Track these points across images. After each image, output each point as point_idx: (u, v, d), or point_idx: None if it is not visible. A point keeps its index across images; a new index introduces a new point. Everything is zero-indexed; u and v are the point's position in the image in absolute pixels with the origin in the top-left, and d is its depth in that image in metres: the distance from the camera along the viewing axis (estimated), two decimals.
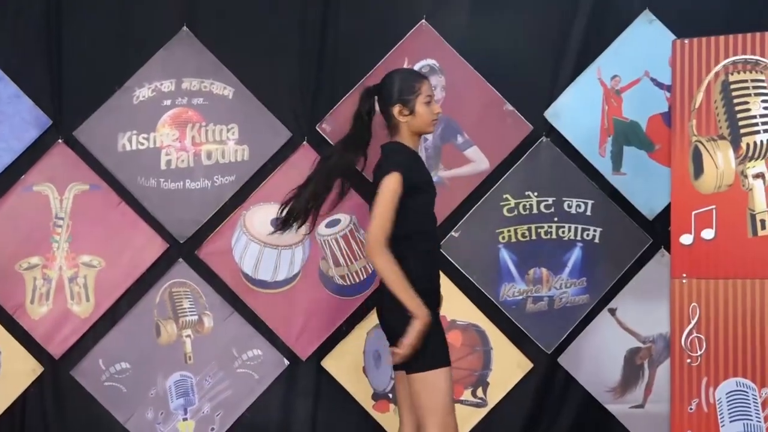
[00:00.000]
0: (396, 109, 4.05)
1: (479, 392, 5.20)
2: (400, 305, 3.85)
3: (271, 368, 5.17)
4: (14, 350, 5.12)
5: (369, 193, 4.05)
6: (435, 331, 3.92)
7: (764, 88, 4.68)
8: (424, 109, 4.05)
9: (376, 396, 5.19)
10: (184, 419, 5.15)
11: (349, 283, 5.19)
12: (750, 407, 4.63)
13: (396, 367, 4.00)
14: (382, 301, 3.99)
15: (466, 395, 5.20)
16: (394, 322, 3.92)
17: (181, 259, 5.18)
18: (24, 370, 5.11)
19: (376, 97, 4.11)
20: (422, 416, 3.86)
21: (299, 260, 5.18)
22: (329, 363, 5.21)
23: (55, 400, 5.14)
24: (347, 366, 5.20)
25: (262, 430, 5.20)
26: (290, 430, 5.22)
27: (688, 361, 4.68)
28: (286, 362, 5.18)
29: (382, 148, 4.04)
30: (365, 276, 5.18)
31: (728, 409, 4.66)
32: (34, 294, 5.11)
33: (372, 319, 5.10)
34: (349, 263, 5.19)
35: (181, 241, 5.18)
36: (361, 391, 5.20)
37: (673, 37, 4.99)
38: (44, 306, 5.13)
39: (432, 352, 3.88)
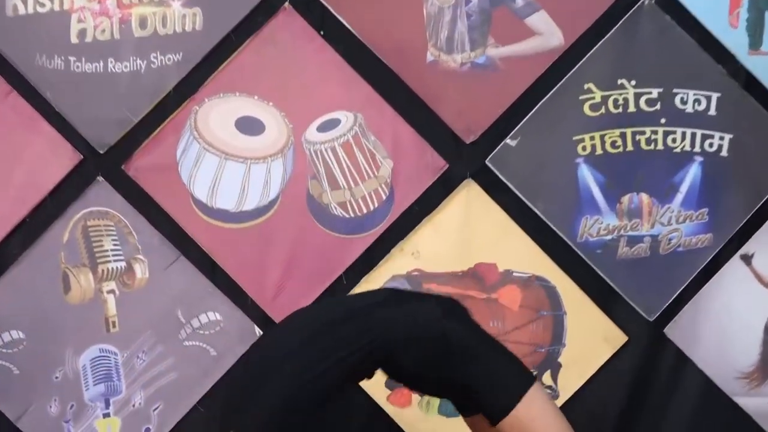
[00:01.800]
0: None
1: (546, 378, 3.96)
2: None
3: (235, 340, 3.96)
4: None
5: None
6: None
7: None
8: None
9: (392, 383, 3.77)
10: (106, 415, 3.96)
11: (352, 214, 3.92)
12: None
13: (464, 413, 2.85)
14: None
15: None
16: None
17: (100, 177, 3.91)
18: None
19: None
20: None
21: (278, 180, 3.89)
22: None
23: None
24: None
25: None
26: None
27: None
28: (259, 331, 3.95)
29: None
30: (376, 204, 3.91)
31: None
32: None
33: (388, 268, 3.90)
34: (352, 185, 3.90)
35: (101, 151, 3.91)
36: None
37: None
38: None
39: (501, 377, 2.72)
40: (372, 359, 2.74)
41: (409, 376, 2.95)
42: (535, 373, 2.86)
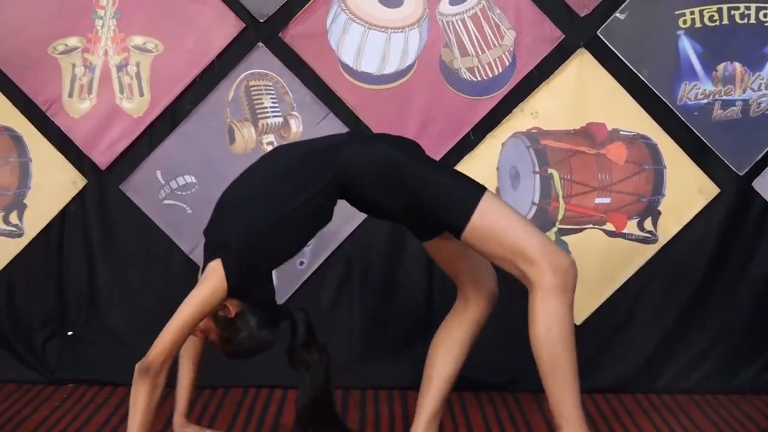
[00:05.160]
0: None
1: (647, 224, 4.16)
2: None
3: None
4: (49, 157, 4.22)
5: None
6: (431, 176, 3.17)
7: None
8: None
9: None
10: None
11: (479, 78, 4.15)
12: None
13: (422, 239, 3.32)
14: None
15: (631, 227, 4.16)
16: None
17: (260, 44, 4.18)
18: (62, 183, 4.22)
19: None
20: (510, 257, 3.11)
21: (414, 48, 4.15)
22: None
23: (101, 220, 4.25)
24: None
25: (362, 269, 4.27)
26: (399, 261, 4.26)
27: None
28: None
29: None
30: (500, 69, 4.13)
31: None
32: (72, 85, 4.17)
33: (510, 126, 4.13)
34: (479, 52, 4.14)
35: (262, 20, 4.17)
36: None
37: None
38: (86, 101, 4.18)
39: (454, 196, 3.14)
40: (336, 189, 3.12)
41: (368, 203, 3.24)
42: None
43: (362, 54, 4.15)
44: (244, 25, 4.16)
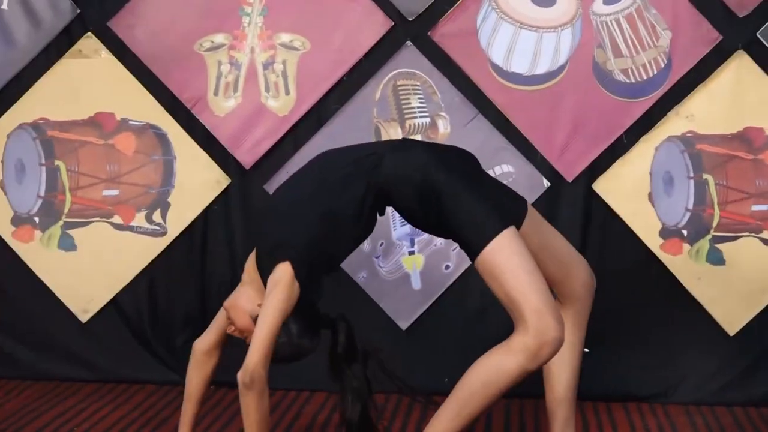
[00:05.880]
0: None
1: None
2: None
3: (525, 191, 3.95)
4: (193, 156, 4.19)
5: None
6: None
7: None
8: None
9: (666, 233, 4.07)
10: (411, 253, 4.16)
11: (633, 80, 4.04)
12: None
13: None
14: None
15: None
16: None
17: (409, 42, 4.10)
18: (206, 182, 4.19)
19: None
20: (505, 302, 2.98)
21: (566, 48, 4.04)
22: (603, 186, 4.09)
23: (244, 220, 4.21)
24: (627, 191, 4.09)
25: None
26: None
27: None
28: (546, 183, 4.11)
29: None
30: (655, 71, 4.02)
31: None
32: (218, 83, 4.13)
33: (664, 130, 4.03)
34: (633, 53, 4.03)
35: (410, 18, 4.10)
36: (644, 225, 4.08)
37: None
38: (231, 99, 4.14)
39: (476, 223, 3.01)
40: (379, 198, 3.07)
41: (402, 211, 3.20)
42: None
43: (512, 54, 4.07)
44: (393, 23, 4.09)
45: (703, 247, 4.02)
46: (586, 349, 4.07)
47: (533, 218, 3.11)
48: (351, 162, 3.08)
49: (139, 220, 4.21)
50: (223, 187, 4.18)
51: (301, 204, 3.06)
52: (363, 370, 3.09)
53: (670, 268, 4.06)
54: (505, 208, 3.03)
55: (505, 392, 2.92)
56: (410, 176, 3.01)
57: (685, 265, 4.04)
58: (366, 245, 4.08)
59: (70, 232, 4.21)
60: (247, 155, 4.14)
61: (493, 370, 2.91)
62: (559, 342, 2.90)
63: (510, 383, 2.90)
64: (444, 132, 4.10)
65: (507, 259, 2.93)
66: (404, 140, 3.38)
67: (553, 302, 2.93)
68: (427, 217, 3.05)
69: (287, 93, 4.10)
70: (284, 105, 4.12)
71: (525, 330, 2.87)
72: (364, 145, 3.33)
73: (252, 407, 2.97)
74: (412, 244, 4.13)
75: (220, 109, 4.13)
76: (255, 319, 3.03)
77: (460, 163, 3.10)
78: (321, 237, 3.01)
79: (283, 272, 2.98)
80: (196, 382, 3.28)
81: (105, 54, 4.16)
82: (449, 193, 2.99)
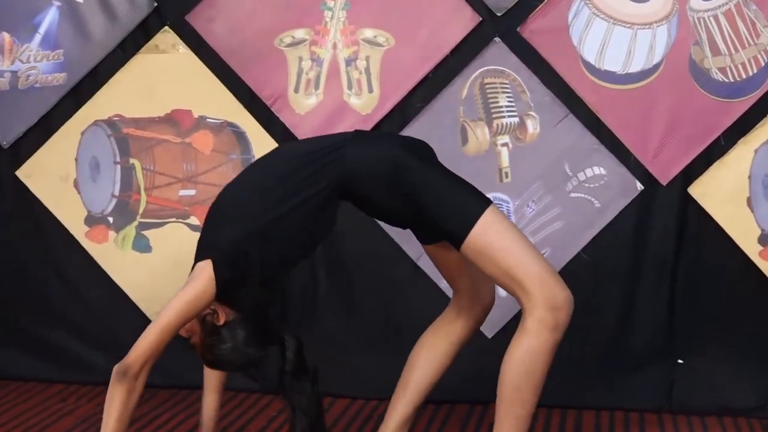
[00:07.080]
0: None
1: None
2: None
3: (617, 194, 3.97)
4: None
5: None
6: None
7: None
8: None
9: (765, 239, 3.92)
10: None
11: (731, 79, 3.90)
12: None
13: (424, 242, 3.20)
14: None
15: None
16: None
17: (497, 39, 3.97)
18: None
19: None
20: (505, 280, 3.00)
21: (662, 45, 3.90)
22: (699, 190, 3.95)
23: None
24: (725, 195, 3.94)
25: (605, 278, 4.01)
26: (641, 272, 4.02)
27: None
28: (640, 187, 3.96)
29: None
30: (755, 70, 3.87)
31: None
32: (299, 80, 4.03)
33: (764, 131, 3.88)
34: (732, 51, 3.89)
35: (499, 14, 3.97)
36: (742, 230, 3.93)
37: None
38: (312, 96, 4.03)
39: (457, 206, 3.04)
40: (338, 190, 2.95)
41: (371, 205, 3.09)
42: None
43: (605, 51, 3.93)
44: (481, 19, 3.97)
45: None
46: (680, 360, 4.00)
47: None
48: (308, 154, 2.98)
49: None
50: None
51: (244, 203, 2.96)
52: (313, 388, 2.97)
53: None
54: (477, 191, 3.05)
55: (548, 372, 2.95)
56: (378, 165, 2.96)
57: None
58: None
59: (145, 233, 4.13)
60: None
61: (528, 358, 2.92)
62: (570, 300, 2.94)
63: (549, 360, 2.93)
64: (533, 132, 3.98)
65: (498, 236, 2.93)
66: (359, 132, 3.26)
67: (550, 266, 2.97)
68: (394, 207, 3.00)
69: (370, 90, 4.00)
70: (367, 103, 4.01)
71: (533, 305, 2.89)
72: (321, 137, 3.27)
73: (116, 401, 2.83)
74: None
75: (301, 106, 4.03)
76: (199, 320, 2.92)
77: (425, 153, 3.07)
78: (259, 235, 2.88)
79: (201, 270, 2.87)
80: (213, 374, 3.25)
81: (182, 49, 4.07)
82: (422, 179, 2.97)
